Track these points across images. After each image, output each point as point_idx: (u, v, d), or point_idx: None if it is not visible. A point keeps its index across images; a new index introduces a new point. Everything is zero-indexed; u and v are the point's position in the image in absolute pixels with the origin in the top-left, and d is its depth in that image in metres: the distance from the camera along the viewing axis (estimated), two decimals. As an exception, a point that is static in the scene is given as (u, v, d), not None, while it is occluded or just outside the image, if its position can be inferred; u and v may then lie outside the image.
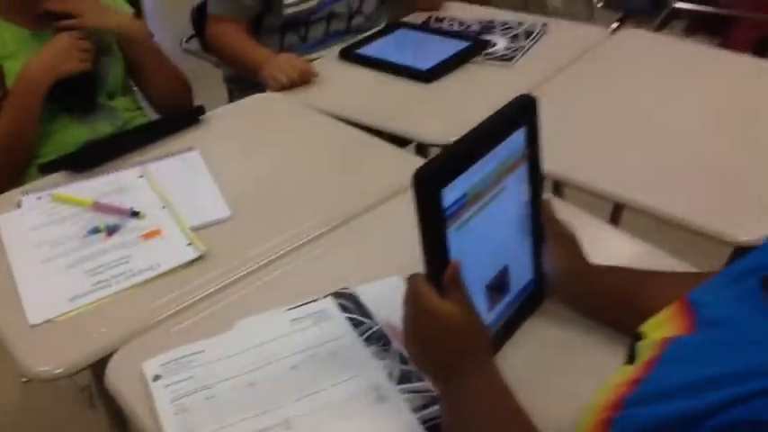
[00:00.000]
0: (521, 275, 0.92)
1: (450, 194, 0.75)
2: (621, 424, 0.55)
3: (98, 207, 1.22)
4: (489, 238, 0.84)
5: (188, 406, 0.84)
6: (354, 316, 0.97)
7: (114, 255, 1.11)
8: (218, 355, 0.91)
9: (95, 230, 1.16)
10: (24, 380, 2.00)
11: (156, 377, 0.88)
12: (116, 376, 0.91)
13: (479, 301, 0.81)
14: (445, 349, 0.72)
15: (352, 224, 1.15)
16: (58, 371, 0.95)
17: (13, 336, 0.99)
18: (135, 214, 1.19)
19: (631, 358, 0.63)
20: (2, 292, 1.06)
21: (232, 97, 2.09)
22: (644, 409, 0.53)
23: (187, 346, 0.92)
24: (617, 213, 1.75)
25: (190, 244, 1.12)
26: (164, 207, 1.21)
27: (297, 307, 0.98)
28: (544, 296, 0.94)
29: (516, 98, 0.84)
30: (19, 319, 1.01)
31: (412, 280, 0.74)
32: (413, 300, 0.73)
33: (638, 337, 0.65)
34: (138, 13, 1.82)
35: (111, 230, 1.16)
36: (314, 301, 0.99)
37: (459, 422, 0.72)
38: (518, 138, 0.84)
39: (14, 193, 1.30)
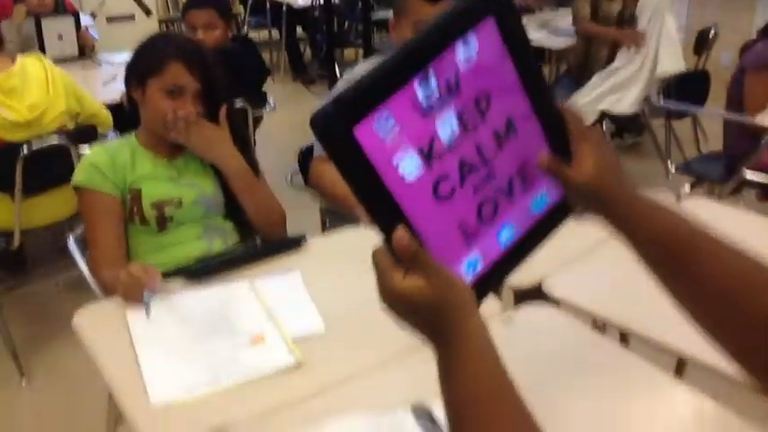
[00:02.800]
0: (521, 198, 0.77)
1: (382, 127, 0.63)
2: None
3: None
4: (470, 166, 0.71)
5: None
6: (429, 426, 1.10)
7: (225, 354, 1.29)
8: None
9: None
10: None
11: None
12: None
13: (464, 241, 0.72)
14: (420, 325, 0.68)
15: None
16: (172, 449, 1.11)
17: (137, 414, 1.17)
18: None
19: None
20: (130, 377, 1.25)
21: (325, 226, 2.32)
22: None
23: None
24: (681, 364, 1.81)
25: (290, 352, 1.29)
26: (268, 319, 1.40)
27: (379, 416, 1.13)
28: (569, 211, 0.80)
29: None
30: (142, 399, 1.19)
31: (374, 254, 0.68)
32: (377, 277, 0.68)
33: None
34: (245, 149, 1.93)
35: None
36: (394, 411, 1.14)
37: (453, 388, 0.67)
38: (485, 34, 0.69)
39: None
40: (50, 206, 2.62)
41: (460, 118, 0.70)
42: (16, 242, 2.49)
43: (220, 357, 1.29)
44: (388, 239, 0.65)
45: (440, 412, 1.14)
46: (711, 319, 0.73)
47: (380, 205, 0.65)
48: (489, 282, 0.75)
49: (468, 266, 0.74)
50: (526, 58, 0.74)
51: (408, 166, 0.67)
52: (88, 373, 2.50)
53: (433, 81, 0.67)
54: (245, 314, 1.41)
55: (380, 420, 1.12)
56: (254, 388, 1.22)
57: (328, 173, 2.07)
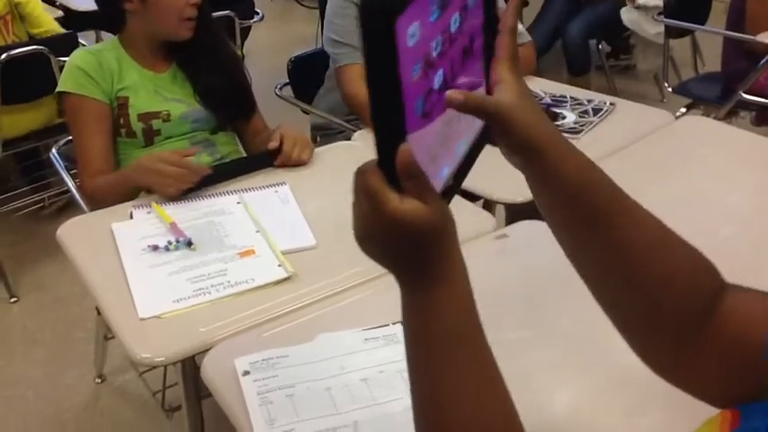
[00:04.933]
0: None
1: (408, 30, 0.57)
2: None
3: (173, 228, 1.38)
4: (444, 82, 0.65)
5: (272, 399, 0.98)
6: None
7: (213, 267, 1.27)
8: (300, 360, 1.05)
9: (166, 247, 1.32)
10: (98, 381, 2.16)
11: (246, 372, 1.02)
12: (211, 368, 1.05)
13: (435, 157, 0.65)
14: (405, 257, 0.60)
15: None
16: (159, 359, 1.10)
17: (124, 326, 1.15)
18: (189, 245, 1.33)
19: None
20: (117, 290, 1.22)
21: (315, 142, 2.27)
22: None
23: (274, 350, 1.06)
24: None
25: (280, 265, 1.27)
26: (257, 231, 1.37)
27: (371, 329, 1.11)
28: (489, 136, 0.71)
29: None
30: (130, 312, 1.17)
31: (361, 173, 0.59)
32: (364, 198, 0.59)
33: None
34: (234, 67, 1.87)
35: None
36: (386, 325, 1.12)
37: (419, 333, 0.61)
38: None
39: (127, 206, 1.48)
40: (32, 117, 2.56)
41: (450, 25, 0.64)
42: (-1, 154, 2.43)
43: (209, 270, 1.26)
44: (386, 156, 0.58)
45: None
46: (626, 286, 0.67)
47: (393, 114, 0.59)
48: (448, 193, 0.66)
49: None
50: None
51: (414, 75, 0.60)
52: (76, 289, 2.53)
53: None
54: (234, 227, 1.38)
55: (372, 333, 1.11)
56: (243, 300, 1.20)
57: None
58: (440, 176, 0.65)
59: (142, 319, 1.16)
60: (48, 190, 2.84)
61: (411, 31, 0.58)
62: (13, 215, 2.77)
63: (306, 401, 0.98)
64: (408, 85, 0.59)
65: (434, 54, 0.63)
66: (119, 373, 2.18)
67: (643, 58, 4.36)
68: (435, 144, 0.65)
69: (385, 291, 1.23)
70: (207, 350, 1.10)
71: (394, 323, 1.13)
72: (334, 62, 1.99)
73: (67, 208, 2.82)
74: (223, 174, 1.57)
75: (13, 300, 2.54)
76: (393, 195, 0.58)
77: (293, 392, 0.99)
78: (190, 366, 1.23)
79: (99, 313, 1.78)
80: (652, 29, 3.69)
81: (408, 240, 0.58)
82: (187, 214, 1.43)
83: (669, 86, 3.18)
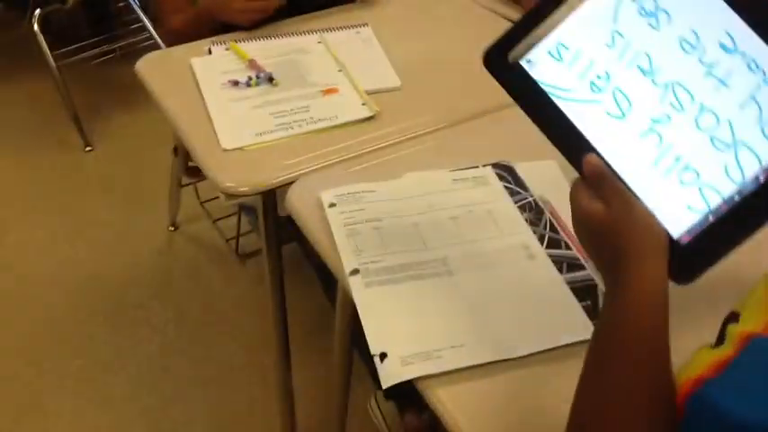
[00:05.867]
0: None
1: (549, 63, 0.66)
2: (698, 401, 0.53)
3: (252, 64, 1.33)
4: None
5: (359, 231, 0.95)
6: (511, 186, 1.05)
7: (296, 103, 1.23)
8: (387, 196, 1.01)
9: (247, 83, 1.27)
10: (171, 228, 2.20)
11: (332, 204, 0.99)
12: (296, 199, 1.03)
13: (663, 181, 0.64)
14: (597, 253, 0.65)
15: (515, 108, 1.22)
16: (243, 189, 1.08)
17: (209, 157, 1.13)
18: (270, 80, 1.28)
19: (721, 339, 0.57)
20: (199, 122, 1.20)
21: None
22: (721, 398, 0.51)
23: (360, 185, 1.03)
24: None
25: (364, 104, 1.22)
26: (339, 70, 1.31)
27: (460, 170, 1.07)
28: None
29: None
30: (213, 144, 1.15)
31: (575, 182, 0.66)
32: (570, 199, 0.66)
33: (732, 317, 0.58)
34: None
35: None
36: (475, 167, 1.07)
37: (610, 327, 0.61)
38: None
39: (205, 42, 1.43)
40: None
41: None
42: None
43: (291, 106, 1.22)
44: (572, 163, 0.65)
45: (522, 172, 1.07)
46: None
47: (567, 134, 0.66)
48: (714, 245, 0.62)
49: (690, 211, 0.64)
50: None
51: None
52: (149, 139, 2.55)
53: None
54: (316, 66, 1.33)
55: (460, 175, 1.06)
56: (327, 137, 1.16)
57: None
58: (693, 200, 0.63)
59: (225, 151, 1.13)
60: (117, 41, 2.81)
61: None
62: (86, 64, 2.76)
63: (393, 235, 0.95)
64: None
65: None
66: (191, 221, 2.22)
67: None
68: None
69: (472, 134, 1.18)
70: (290, 184, 1.08)
71: (484, 165, 1.08)
72: None
73: (138, 54, 2.81)
74: (298, 2, 1.49)
75: (88, 149, 2.58)
76: (584, 194, 0.63)
77: (380, 225, 0.96)
78: (270, 202, 1.21)
79: (176, 154, 1.77)
80: None
81: (593, 239, 0.64)
82: (267, 52, 1.37)
83: None
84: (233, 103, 1.23)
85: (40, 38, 2.47)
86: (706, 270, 0.62)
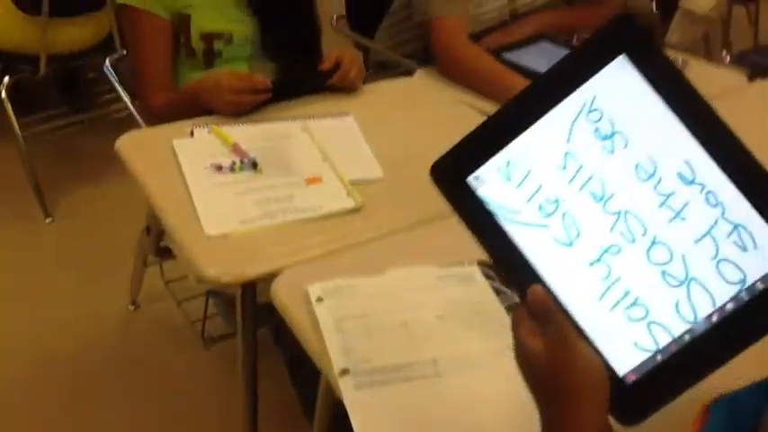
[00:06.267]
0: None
1: (497, 182, 0.63)
2: None
3: (235, 148, 1.33)
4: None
5: (347, 327, 0.93)
6: (497, 286, 1.05)
7: (280, 191, 1.22)
8: (372, 292, 1.01)
9: (231, 168, 1.27)
10: (132, 308, 2.14)
11: (320, 299, 0.98)
12: (281, 292, 1.01)
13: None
14: (535, 386, 0.62)
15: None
16: (227, 279, 1.06)
17: (190, 242, 1.11)
18: (254, 166, 1.28)
19: None
20: (181, 205, 1.18)
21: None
22: None
23: (346, 279, 1.01)
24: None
25: (349, 195, 1.22)
26: (324, 160, 1.32)
27: (445, 267, 1.07)
28: None
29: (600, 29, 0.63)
30: (195, 229, 1.13)
31: (517, 309, 0.64)
32: (512, 327, 0.63)
33: None
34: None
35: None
36: (461, 264, 1.07)
37: None
38: (613, 73, 0.62)
39: (187, 124, 1.43)
40: (77, 33, 2.48)
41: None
42: (43, 69, 2.37)
43: (276, 194, 1.22)
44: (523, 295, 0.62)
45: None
46: None
47: (513, 263, 0.63)
48: (661, 387, 0.59)
49: (637, 349, 0.61)
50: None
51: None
52: (112, 214, 2.50)
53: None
54: (300, 154, 1.33)
55: (446, 272, 1.06)
56: (311, 227, 1.16)
57: (473, 51, 1.72)
58: (642, 338, 0.60)
59: (208, 237, 1.11)
60: (87, 111, 2.79)
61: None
62: (52, 134, 2.73)
63: (381, 333, 0.94)
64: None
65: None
66: (153, 300, 2.16)
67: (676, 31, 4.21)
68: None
69: (457, 228, 1.18)
70: (274, 274, 1.06)
71: (470, 263, 1.08)
72: (424, 12, 1.81)
73: (103, 128, 2.79)
74: (282, 90, 1.50)
75: (48, 220, 2.51)
76: (524, 327, 0.61)
77: (368, 323, 0.95)
78: (249, 292, 1.19)
79: (148, 233, 1.74)
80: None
81: (532, 373, 0.61)
82: (250, 136, 1.37)
83: (728, 55, 3.07)
84: (216, 188, 1.22)
85: (8, 105, 2.44)
86: (652, 412, 0.58)
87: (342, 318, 0.95)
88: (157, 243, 1.72)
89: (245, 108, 1.45)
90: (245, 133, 1.39)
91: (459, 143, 0.65)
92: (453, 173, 0.64)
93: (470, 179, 0.65)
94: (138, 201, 2.52)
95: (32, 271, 2.27)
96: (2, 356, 1.93)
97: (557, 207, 0.63)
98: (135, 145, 1.38)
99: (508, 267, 0.64)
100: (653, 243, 0.60)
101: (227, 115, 1.44)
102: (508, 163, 0.64)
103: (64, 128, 2.73)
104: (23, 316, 2.08)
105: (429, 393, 0.86)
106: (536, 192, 0.63)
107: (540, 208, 0.63)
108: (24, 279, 2.23)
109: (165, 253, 1.73)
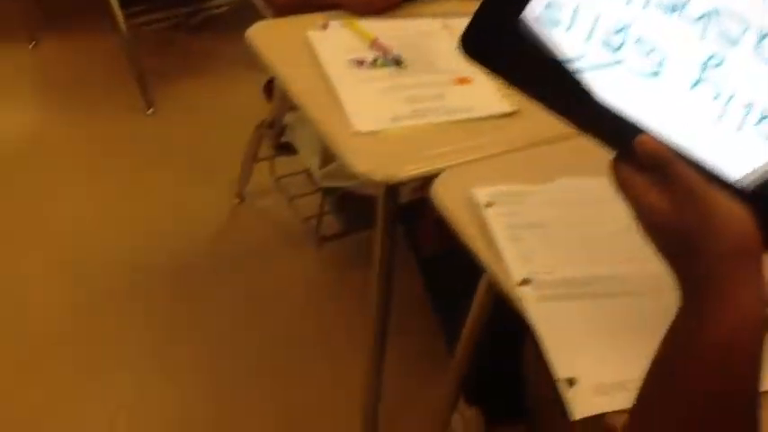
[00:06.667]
0: None
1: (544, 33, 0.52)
2: None
3: (375, 44, 1.25)
4: None
5: (522, 236, 0.87)
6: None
7: (428, 90, 1.15)
8: (544, 201, 0.94)
9: (373, 63, 1.20)
10: (237, 201, 2.13)
11: (489, 204, 0.91)
12: (443, 194, 0.95)
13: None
14: (672, 258, 0.52)
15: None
16: (378, 177, 1.01)
17: (339, 138, 1.05)
18: (398, 63, 1.21)
19: None
20: (325, 100, 1.12)
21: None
22: None
23: (515, 185, 0.95)
24: None
25: (503, 97, 1.14)
26: (469, 59, 1.23)
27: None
28: None
29: None
30: (343, 125, 1.07)
31: (612, 163, 0.55)
32: (620, 186, 0.55)
33: None
34: None
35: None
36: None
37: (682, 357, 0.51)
38: None
39: (318, 17, 1.35)
40: None
41: None
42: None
43: (424, 92, 1.14)
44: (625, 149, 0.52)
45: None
46: None
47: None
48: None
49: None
50: None
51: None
52: (214, 107, 2.48)
53: None
54: (444, 52, 1.25)
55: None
56: (464, 129, 1.09)
57: None
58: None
59: (357, 133, 1.06)
60: (189, 5, 2.74)
61: None
62: (157, 28, 2.69)
63: (559, 245, 0.87)
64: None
65: None
66: (258, 196, 2.14)
67: None
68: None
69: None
70: (427, 176, 1.00)
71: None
72: None
73: (210, 24, 2.74)
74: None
75: (150, 111, 2.50)
76: (638, 183, 0.51)
77: (546, 233, 0.89)
78: (392, 192, 1.14)
79: (271, 127, 1.69)
80: None
81: (664, 241, 0.51)
82: (388, 32, 1.29)
83: None
84: (360, 84, 1.16)
85: (113, -1, 2.40)
86: None
87: (516, 225, 0.89)
88: (278, 138, 1.68)
89: (379, 5, 1.36)
90: (382, 29, 1.30)
91: (482, 5, 0.55)
92: (497, 35, 0.55)
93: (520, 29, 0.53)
94: (242, 95, 2.52)
95: (133, 161, 2.28)
96: (107, 247, 1.95)
97: (625, 36, 0.53)
98: (267, 35, 1.32)
99: (596, 127, 0.54)
100: (762, 38, 0.49)
101: (359, 12, 1.35)
102: (547, 5, 0.53)
103: (167, 20, 2.69)
104: (126, 205, 2.10)
105: (623, 312, 0.80)
106: (593, 27, 0.53)
107: (605, 44, 0.53)
108: (125, 170, 2.24)
109: (285, 148, 1.68)
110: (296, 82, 1.17)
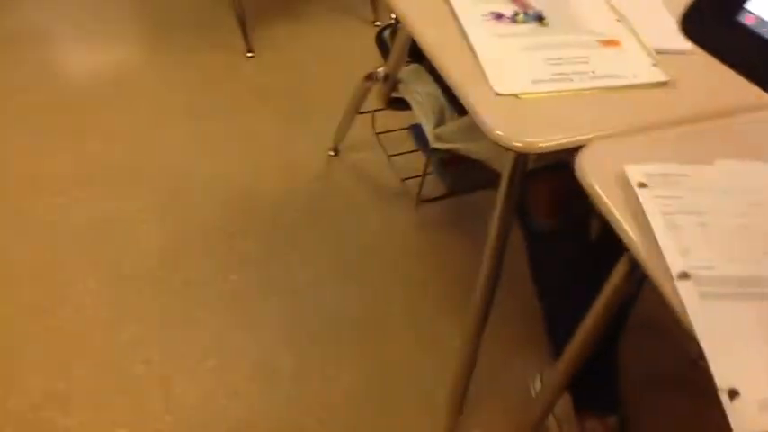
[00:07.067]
0: None
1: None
2: None
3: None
4: None
5: (680, 224, 0.79)
6: None
7: (573, 51, 1.06)
8: (703, 185, 0.85)
9: (513, 18, 1.12)
10: (332, 153, 2.09)
11: (642, 184, 0.83)
12: (589, 168, 0.87)
13: None
14: None
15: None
16: (517, 144, 0.93)
17: (477, 98, 0.98)
18: (540, 19, 1.12)
19: None
20: (461, 57, 1.04)
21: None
22: None
23: (672, 165, 0.86)
24: None
25: (655, 65, 1.04)
26: (618, 20, 1.13)
27: None
28: None
29: None
30: (480, 85, 1.00)
31: None
32: None
33: None
34: None
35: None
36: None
37: None
38: None
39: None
40: None
41: None
42: None
43: (567, 54, 1.05)
44: None
45: None
46: None
47: None
48: None
49: None
50: None
51: None
52: (314, 54, 2.43)
53: None
54: (588, 11, 1.15)
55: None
56: (613, 98, 1.00)
57: None
58: None
59: (496, 95, 0.98)
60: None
61: None
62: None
63: (721, 236, 0.79)
64: None
65: None
66: (354, 150, 2.10)
67: None
68: None
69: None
70: (571, 147, 0.92)
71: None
72: None
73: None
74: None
75: (249, 54, 2.48)
76: None
77: (705, 222, 0.80)
78: (523, 159, 1.07)
79: (386, 80, 1.62)
80: None
81: None
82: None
83: None
84: (499, 40, 1.07)
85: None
86: None
87: (673, 211, 0.80)
88: (390, 92, 1.62)
89: None
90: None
91: None
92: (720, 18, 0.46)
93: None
94: (340, 42, 2.46)
95: (232, 104, 2.26)
96: (200, 188, 1.95)
97: None
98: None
99: None
100: None
101: None
102: None
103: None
104: (222, 146, 2.09)
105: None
106: None
107: None
108: (223, 111, 2.23)
109: (396, 104, 1.62)
110: (429, 34, 1.10)
